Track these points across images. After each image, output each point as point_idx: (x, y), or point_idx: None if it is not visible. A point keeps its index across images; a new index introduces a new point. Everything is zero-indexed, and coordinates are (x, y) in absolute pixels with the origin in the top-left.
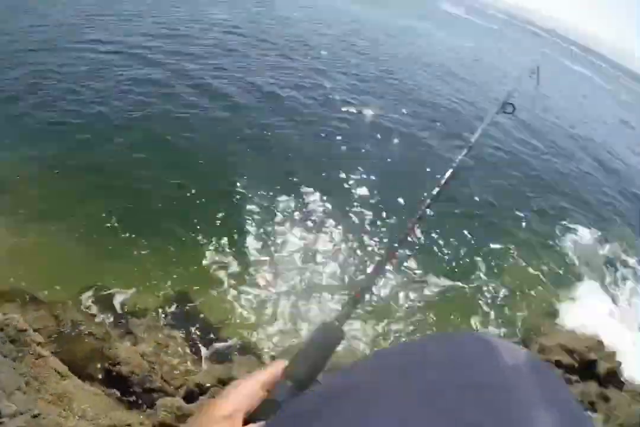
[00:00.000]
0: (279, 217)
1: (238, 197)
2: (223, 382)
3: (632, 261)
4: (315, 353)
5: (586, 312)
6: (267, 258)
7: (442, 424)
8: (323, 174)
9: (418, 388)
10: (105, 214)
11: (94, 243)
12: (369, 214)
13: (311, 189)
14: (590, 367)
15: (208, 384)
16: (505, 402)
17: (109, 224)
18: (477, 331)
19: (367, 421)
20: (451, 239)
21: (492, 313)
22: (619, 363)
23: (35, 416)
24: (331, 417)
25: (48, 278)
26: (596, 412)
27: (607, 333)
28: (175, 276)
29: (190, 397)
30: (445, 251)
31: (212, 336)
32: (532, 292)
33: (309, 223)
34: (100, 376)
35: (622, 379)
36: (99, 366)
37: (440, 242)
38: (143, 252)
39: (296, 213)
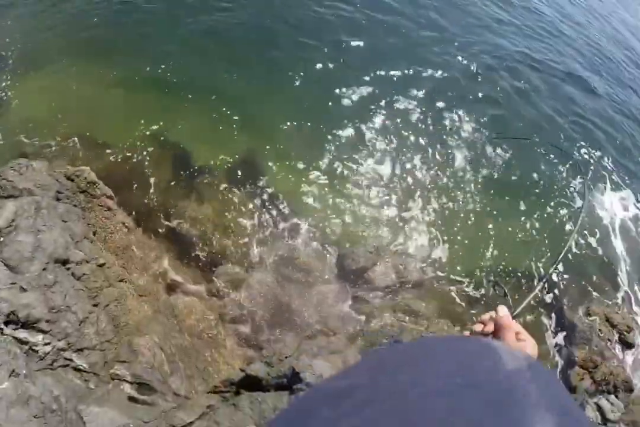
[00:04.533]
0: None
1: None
2: (283, 258)
3: None
4: None
5: None
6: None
7: (444, 422)
8: None
9: (419, 388)
10: (179, 62)
11: (166, 90)
12: None
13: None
14: None
15: (267, 258)
16: (506, 402)
17: (179, 73)
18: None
19: (368, 419)
20: None
21: None
22: None
23: (100, 265)
24: (332, 415)
25: (117, 125)
26: None
27: None
28: (246, 139)
29: (248, 269)
30: None
31: (275, 209)
32: None
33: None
34: (161, 231)
35: None
36: (162, 221)
37: None
38: (218, 107)
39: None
